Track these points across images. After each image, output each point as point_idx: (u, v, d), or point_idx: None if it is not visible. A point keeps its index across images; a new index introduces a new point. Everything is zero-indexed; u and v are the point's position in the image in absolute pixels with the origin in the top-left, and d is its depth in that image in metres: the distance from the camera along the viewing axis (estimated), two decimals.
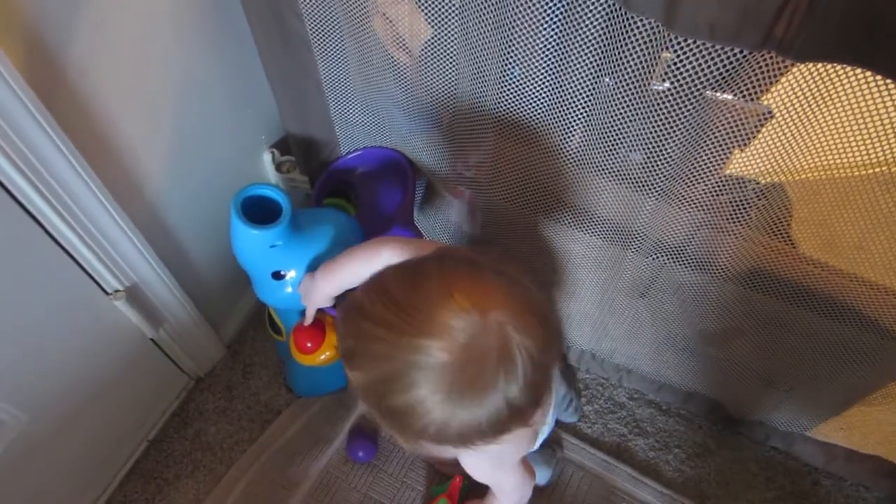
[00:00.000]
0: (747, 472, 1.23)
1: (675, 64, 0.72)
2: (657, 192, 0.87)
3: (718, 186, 0.84)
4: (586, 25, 0.74)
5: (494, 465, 0.86)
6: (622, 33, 0.72)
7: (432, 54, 0.91)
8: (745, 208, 0.86)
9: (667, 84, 0.76)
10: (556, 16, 0.76)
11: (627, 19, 0.70)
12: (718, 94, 0.75)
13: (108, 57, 0.85)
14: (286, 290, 1.07)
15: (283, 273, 1.05)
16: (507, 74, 0.86)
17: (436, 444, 0.65)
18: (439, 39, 0.89)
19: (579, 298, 1.15)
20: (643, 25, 0.69)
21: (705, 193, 0.86)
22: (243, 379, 1.34)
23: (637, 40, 0.71)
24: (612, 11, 0.71)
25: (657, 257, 0.96)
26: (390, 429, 0.65)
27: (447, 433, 0.62)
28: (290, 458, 1.22)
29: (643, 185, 0.88)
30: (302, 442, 1.24)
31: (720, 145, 0.79)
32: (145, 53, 0.91)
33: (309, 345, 1.09)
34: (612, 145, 0.86)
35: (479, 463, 0.85)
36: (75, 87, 0.82)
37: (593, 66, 0.79)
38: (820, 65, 0.66)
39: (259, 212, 0.97)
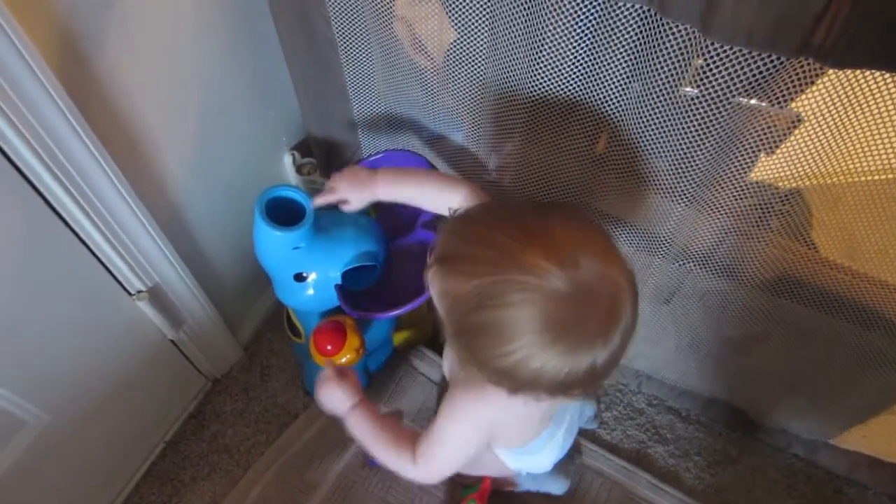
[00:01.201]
0: (768, 480, 1.22)
1: (706, 70, 0.72)
2: (685, 197, 0.87)
3: (741, 192, 0.84)
4: (619, 31, 0.73)
5: (483, 430, 0.81)
6: (655, 39, 0.71)
7: (457, 57, 0.91)
8: (766, 214, 0.86)
9: (697, 90, 0.76)
10: (589, 21, 0.75)
11: (662, 25, 0.69)
12: (749, 100, 0.75)
13: (136, 58, 0.85)
14: (307, 292, 1.07)
15: (305, 275, 1.05)
16: (534, 79, 0.86)
17: (496, 378, 0.62)
18: (465, 43, 0.88)
19: None
20: (678, 32, 0.69)
21: (730, 199, 0.86)
22: (260, 381, 1.33)
23: (670, 47, 0.71)
24: (646, 17, 0.71)
25: (684, 263, 0.95)
26: (460, 346, 0.63)
27: (521, 369, 0.59)
28: (307, 461, 1.22)
29: (669, 191, 0.87)
30: (320, 445, 1.24)
31: (748, 151, 0.79)
32: (172, 56, 0.91)
33: (329, 347, 1.08)
34: (638, 151, 0.86)
35: (478, 411, 0.80)
36: (104, 87, 0.82)
37: (624, 72, 0.78)
38: (857, 70, 0.65)
39: (282, 214, 0.97)
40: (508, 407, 0.74)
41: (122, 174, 0.87)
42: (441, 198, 0.84)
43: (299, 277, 1.05)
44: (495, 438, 0.89)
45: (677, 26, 0.68)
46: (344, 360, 1.09)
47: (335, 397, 0.91)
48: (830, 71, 0.67)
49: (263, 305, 1.41)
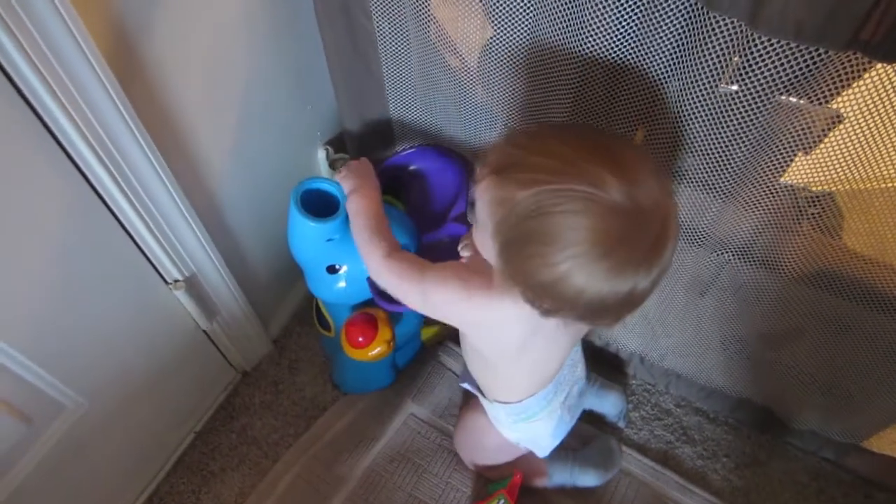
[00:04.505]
0: (798, 483, 1.21)
1: (744, 67, 0.72)
2: (721, 193, 0.87)
3: (775, 191, 0.84)
4: (663, 26, 0.74)
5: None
6: (699, 35, 0.71)
7: (495, 54, 0.92)
8: (799, 215, 0.86)
9: (735, 86, 0.76)
10: (633, 15, 0.75)
11: (707, 19, 0.69)
12: (790, 97, 0.75)
13: (182, 49, 0.87)
14: (339, 285, 1.08)
15: (337, 267, 1.06)
16: (573, 75, 0.86)
17: (536, 295, 0.64)
18: (504, 39, 0.89)
19: None
20: (723, 25, 0.69)
21: (765, 196, 0.85)
22: (289, 374, 1.34)
23: (713, 42, 0.71)
24: (691, 12, 0.71)
25: (721, 254, 0.95)
26: (507, 258, 0.64)
27: (564, 284, 0.60)
28: (335, 454, 1.23)
29: (706, 186, 0.87)
30: (348, 439, 1.25)
31: (786, 149, 0.78)
32: (216, 48, 0.92)
33: (360, 339, 1.09)
34: (675, 146, 0.86)
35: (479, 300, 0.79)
36: (151, 77, 0.84)
37: (665, 68, 0.78)
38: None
39: (316, 205, 0.98)
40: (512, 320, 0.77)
41: (165, 162, 0.89)
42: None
43: (332, 269, 1.06)
44: (489, 361, 0.91)
45: (723, 20, 0.68)
46: (375, 352, 1.10)
47: (359, 171, 0.95)
48: (873, 70, 0.67)
49: (293, 300, 1.42)
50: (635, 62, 0.79)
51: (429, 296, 0.83)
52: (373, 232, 0.89)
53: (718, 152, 0.82)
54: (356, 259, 1.05)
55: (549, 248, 0.59)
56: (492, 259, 0.69)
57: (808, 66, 0.68)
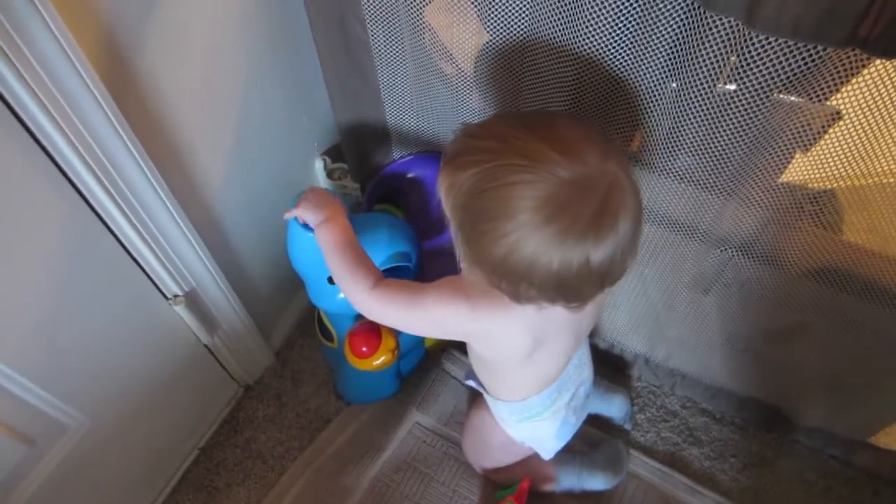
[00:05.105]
0: (806, 482, 1.21)
1: (741, 67, 0.72)
2: (721, 192, 0.87)
3: (775, 190, 0.84)
4: (660, 27, 0.74)
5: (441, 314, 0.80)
6: (697, 35, 0.71)
7: (490, 58, 0.91)
8: (799, 213, 0.86)
9: (733, 86, 0.76)
10: (630, 18, 0.75)
11: (705, 20, 0.69)
12: (788, 96, 0.75)
13: (177, 64, 0.86)
14: (341, 295, 1.07)
15: None
16: (569, 79, 0.86)
17: (497, 276, 0.66)
18: (500, 43, 0.89)
19: (641, 294, 1.13)
20: (720, 26, 0.69)
21: (765, 194, 0.85)
22: (292, 386, 1.34)
23: (711, 42, 0.71)
24: (688, 13, 0.71)
25: (724, 250, 0.94)
26: (462, 240, 0.67)
27: (516, 256, 0.62)
28: (341, 465, 1.22)
29: (706, 185, 0.87)
30: (353, 450, 1.24)
31: (784, 148, 0.78)
32: (210, 60, 0.92)
33: (364, 349, 1.08)
34: (673, 147, 0.86)
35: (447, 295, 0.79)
36: (145, 91, 0.83)
37: (662, 70, 0.78)
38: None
39: None
40: (510, 324, 0.78)
41: (161, 177, 0.88)
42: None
43: (333, 280, 1.06)
44: (494, 367, 0.92)
45: (720, 19, 0.68)
46: (379, 361, 1.10)
47: (320, 200, 0.91)
48: (871, 66, 0.67)
49: (294, 311, 1.41)
50: (633, 64, 0.79)
51: (432, 316, 0.82)
52: (355, 265, 0.86)
53: (717, 152, 0.82)
54: None
55: (496, 222, 0.62)
56: (457, 247, 0.71)
57: (805, 63, 0.67)
